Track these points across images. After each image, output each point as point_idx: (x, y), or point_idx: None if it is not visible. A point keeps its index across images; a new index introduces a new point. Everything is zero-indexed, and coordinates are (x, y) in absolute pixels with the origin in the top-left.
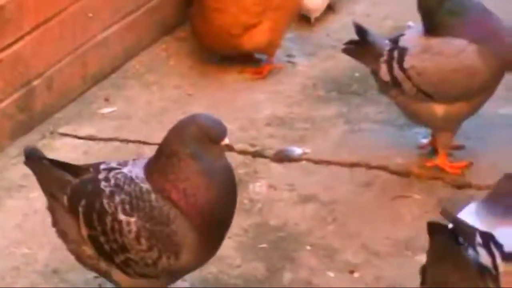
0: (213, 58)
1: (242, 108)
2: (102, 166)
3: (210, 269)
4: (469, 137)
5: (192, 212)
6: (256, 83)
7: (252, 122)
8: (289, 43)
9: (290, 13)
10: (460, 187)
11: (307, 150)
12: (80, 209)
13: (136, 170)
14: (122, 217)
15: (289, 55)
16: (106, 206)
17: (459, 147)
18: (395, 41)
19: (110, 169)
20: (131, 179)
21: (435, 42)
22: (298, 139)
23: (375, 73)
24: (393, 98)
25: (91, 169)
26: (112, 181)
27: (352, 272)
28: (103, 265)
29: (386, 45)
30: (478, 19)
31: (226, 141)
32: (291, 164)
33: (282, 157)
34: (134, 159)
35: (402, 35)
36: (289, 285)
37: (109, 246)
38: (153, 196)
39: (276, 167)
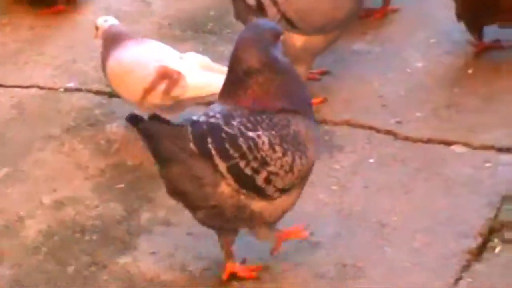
0: None
1: (97, 48)
2: (193, 117)
3: (68, 211)
4: (324, 73)
5: (302, 105)
6: None
7: None
8: None
9: None
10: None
11: None
12: (210, 146)
13: (217, 106)
14: (250, 134)
15: None
16: (231, 131)
17: (324, 72)
18: None
19: (201, 114)
20: (226, 109)
21: None
22: None
23: None
24: None
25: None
26: (217, 115)
27: None
28: (243, 199)
29: None
30: None
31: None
32: None
33: None
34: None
35: None
36: (147, 225)
37: (250, 168)
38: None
39: (132, 107)
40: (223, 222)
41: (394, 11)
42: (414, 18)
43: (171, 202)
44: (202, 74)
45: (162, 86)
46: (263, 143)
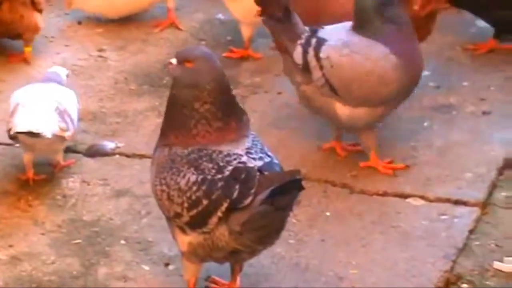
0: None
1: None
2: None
3: (24, 266)
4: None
5: None
6: (68, 77)
7: None
8: (99, 37)
9: None
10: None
11: (120, 144)
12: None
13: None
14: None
15: (100, 50)
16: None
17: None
18: (314, 31)
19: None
20: None
21: (359, 40)
22: (110, 133)
23: (288, 53)
24: (296, 84)
25: None
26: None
27: (167, 264)
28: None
29: (306, 31)
30: (406, 36)
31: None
32: (104, 158)
33: (95, 152)
34: None
35: (322, 27)
36: (104, 280)
37: None
38: None
39: (89, 162)
40: None
41: None
42: None
43: (128, 256)
44: (30, 116)
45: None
46: None
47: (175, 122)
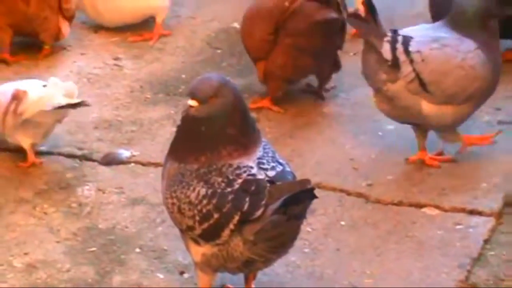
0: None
1: (69, 111)
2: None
3: (39, 274)
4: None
5: None
6: (84, 86)
7: (80, 125)
8: (115, 46)
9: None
10: None
11: (135, 153)
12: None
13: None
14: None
15: (116, 58)
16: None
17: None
18: (395, 31)
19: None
20: None
21: (447, 34)
22: (126, 141)
23: (374, 50)
24: (380, 83)
25: None
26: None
27: (182, 273)
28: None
29: (389, 30)
30: (493, 43)
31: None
32: (119, 167)
33: (110, 160)
34: None
35: (399, 30)
36: None
37: None
38: None
39: (104, 170)
40: None
41: None
42: None
43: (143, 264)
44: (45, 91)
45: (12, 106)
46: None
47: (199, 146)
